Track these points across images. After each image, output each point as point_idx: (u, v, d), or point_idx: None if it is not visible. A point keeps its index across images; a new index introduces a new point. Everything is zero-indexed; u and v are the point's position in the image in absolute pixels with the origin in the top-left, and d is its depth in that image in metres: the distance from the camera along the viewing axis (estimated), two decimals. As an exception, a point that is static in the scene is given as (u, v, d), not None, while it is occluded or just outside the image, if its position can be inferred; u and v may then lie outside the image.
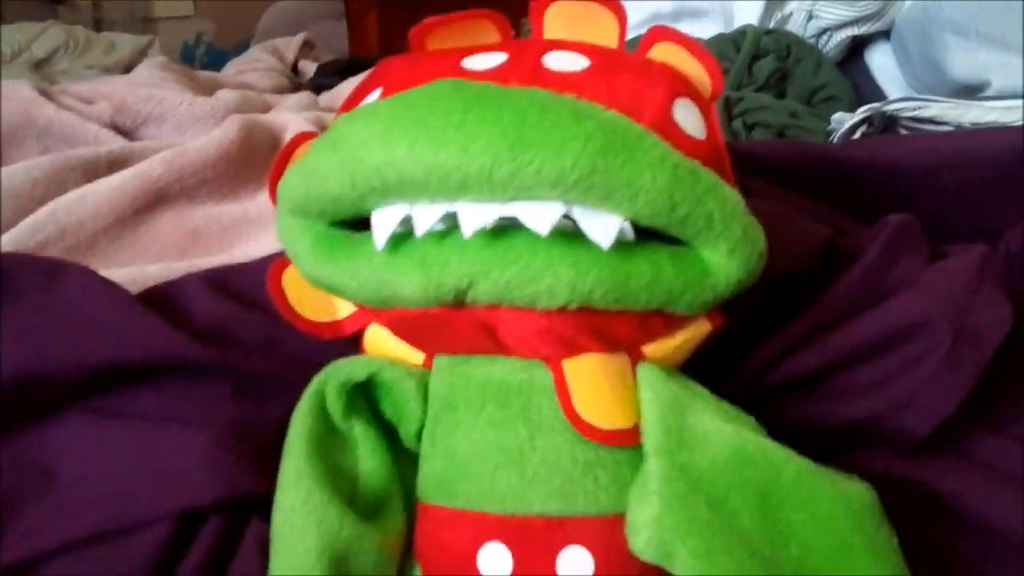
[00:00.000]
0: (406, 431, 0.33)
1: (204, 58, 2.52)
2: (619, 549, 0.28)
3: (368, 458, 0.33)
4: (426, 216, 0.28)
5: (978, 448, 0.36)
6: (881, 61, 0.74)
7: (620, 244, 0.28)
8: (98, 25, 2.33)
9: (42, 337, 0.32)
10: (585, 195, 0.27)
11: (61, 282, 0.34)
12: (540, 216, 0.27)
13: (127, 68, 1.38)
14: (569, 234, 0.28)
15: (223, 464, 0.31)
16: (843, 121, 0.60)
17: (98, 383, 0.33)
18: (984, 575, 0.33)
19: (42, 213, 0.54)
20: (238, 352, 0.34)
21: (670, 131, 0.28)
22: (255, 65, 1.32)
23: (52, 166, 0.59)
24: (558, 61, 0.30)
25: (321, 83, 1.21)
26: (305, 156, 0.30)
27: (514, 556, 0.29)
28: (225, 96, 0.78)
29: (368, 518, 0.31)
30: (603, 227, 0.27)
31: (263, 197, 0.61)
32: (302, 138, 0.34)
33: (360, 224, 0.31)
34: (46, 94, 0.76)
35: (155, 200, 0.57)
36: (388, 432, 0.33)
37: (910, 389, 0.34)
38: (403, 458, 0.33)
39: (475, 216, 0.27)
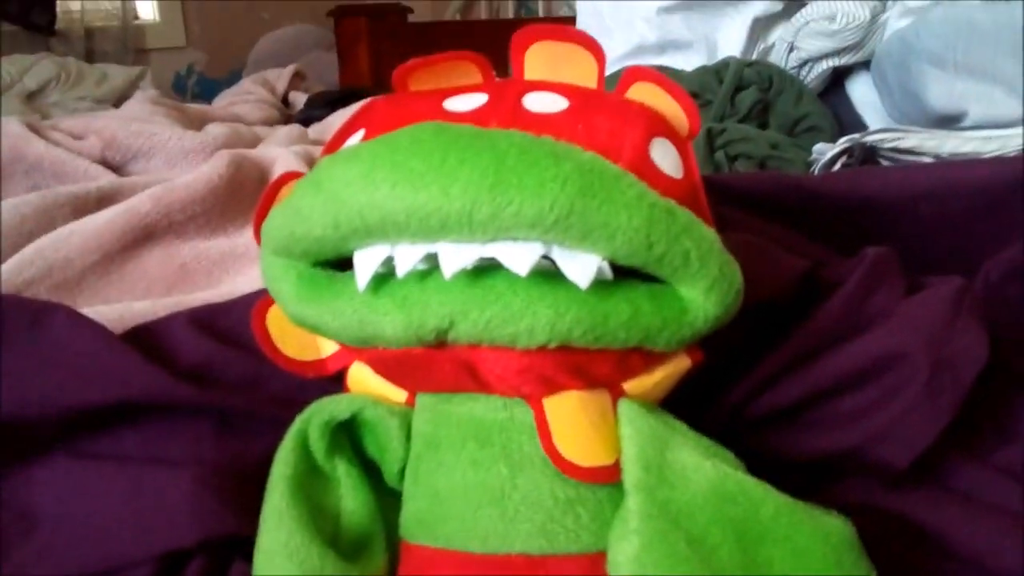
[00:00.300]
0: (389, 470, 0.33)
1: (195, 88, 2.53)
2: (603, 588, 0.28)
3: (350, 497, 0.33)
4: (407, 257, 0.28)
5: (959, 477, 0.36)
6: (862, 91, 0.75)
7: (598, 283, 0.28)
8: (90, 56, 2.34)
9: (26, 380, 0.33)
10: (563, 235, 0.27)
11: (45, 324, 0.34)
12: (519, 257, 0.27)
13: (119, 99, 1.39)
14: (548, 274, 0.29)
15: (206, 505, 0.32)
16: (824, 152, 0.60)
17: (82, 424, 0.33)
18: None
19: (29, 250, 0.54)
20: (222, 391, 0.34)
21: (647, 171, 0.29)
22: (245, 97, 1.33)
23: (41, 202, 0.59)
24: (537, 102, 0.31)
25: (311, 115, 1.22)
26: (289, 197, 0.31)
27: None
28: (214, 131, 0.79)
29: (350, 558, 0.31)
30: (581, 267, 0.28)
31: (251, 232, 0.61)
32: (287, 178, 0.35)
33: (343, 264, 0.32)
34: (35, 129, 0.77)
35: (143, 236, 0.57)
36: (371, 471, 0.34)
37: (888, 421, 0.34)
38: (386, 497, 0.33)
39: (455, 257, 0.28)
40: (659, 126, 0.31)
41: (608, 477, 0.29)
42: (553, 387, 0.30)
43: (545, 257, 0.28)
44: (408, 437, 0.32)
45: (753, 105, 0.69)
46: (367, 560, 0.32)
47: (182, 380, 0.34)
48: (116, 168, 0.76)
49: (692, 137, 0.32)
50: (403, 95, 0.33)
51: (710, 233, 0.29)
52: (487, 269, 0.29)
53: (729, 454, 0.31)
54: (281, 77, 1.47)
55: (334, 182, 0.29)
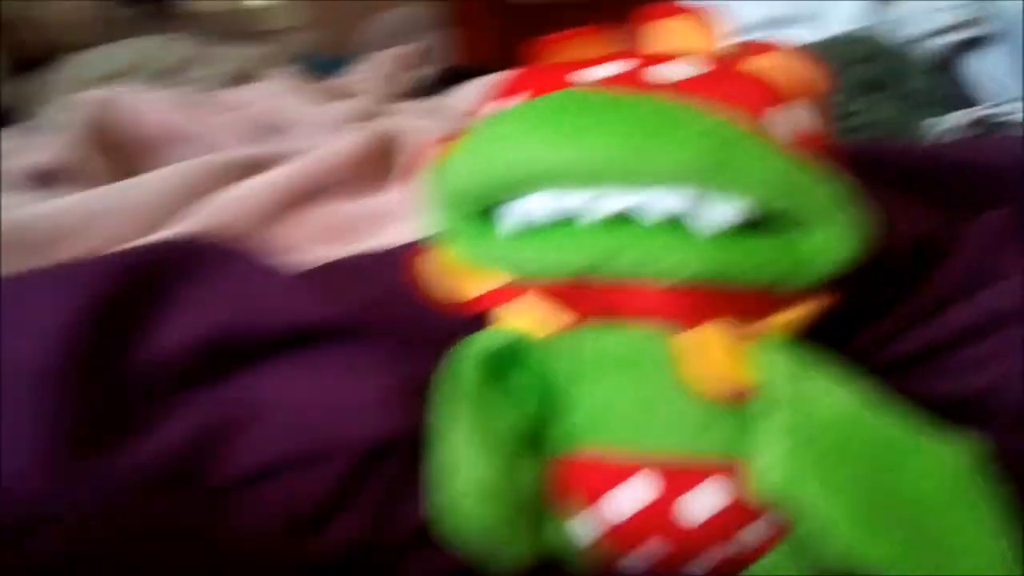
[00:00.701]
0: (542, 393, 0.37)
1: (314, 69, 2.62)
2: (744, 490, 0.32)
3: (507, 416, 0.37)
4: (559, 205, 0.33)
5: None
6: (978, 67, 0.76)
7: (736, 228, 0.32)
8: (207, 39, 2.43)
9: (241, 303, 0.39)
10: (705, 184, 0.31)
11: (237, 262, 0.40)
12: (660, 205, 0.32)
13: (248, 78, 1.47)
14: (687, 220, 0.32)
15: (397, 407, 0.37)
16: (938, 125, 0.62)
17: (283, 343, 0.39)
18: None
19: (198, 211, 0.60)
20: (391, 320, 0.40)
21: (775, 129, 0.32)
22: (369, 74, 1.39)
23: (204, 168, 0.66)
24: (665, 71, 0.34)
25: (433, 92, 1.27)
26: (452, 153, 0.36)
27: (645, 493, 0.33)
28: (349, 105, 0.85)
29: (513, 463, 0.36)
30: (719, 214, 0.32)
31: (387, 196, 0.67)
32: (446, 139, 0.39)
33: (498, 212, 0.36)
34: (185, 103, 0.84)
35: (295, 199, 0.63)
36: (524, 395, 0.38)
37: (1011, 367, 0.36)
38: (539, 418, 0.38)
39: (603, 205, 0.32)
40: (784, 93, 0.34)
41: (745, 399, 0.33)
42: (693, 320, 0.34)
43: (685, 205, 0.32)
44: (562, 364, 0.36)
45: (865, 80, 0.70)
46: (525, 468, 0.36)
47: (359, 309, 0.39)
48: (261, 140, 0.83)
49: (821, 100, 0.35)
50: (542, 66, 0.38)
51: (842, 183, 0.33)
52: (629, 216, 0.33)
53: (862, 381, 0.34)
54: (404, 55, 1.51)
55: (493, 139, 0.34)
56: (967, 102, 0.71)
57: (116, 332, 0.38)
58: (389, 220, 0.62)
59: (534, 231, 0.35)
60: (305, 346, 0.39)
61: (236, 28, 2.57)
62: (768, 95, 0.34)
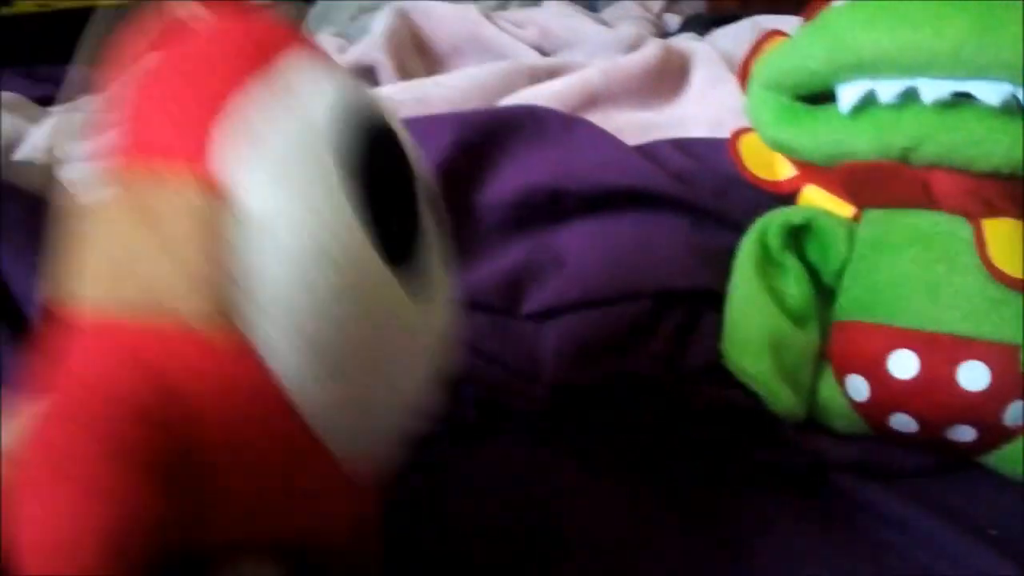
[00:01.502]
0: (828, 269, 0.41)
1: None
2: (1012, 370, 0.35)
3: (795, 284, 0.42)
4: (890, 89, 0.36)
5: None
6: None
7: (1055, 123, 0.35)
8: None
9: (565, 162, 0.45)
10: None
11: (576, 127, 0.47)
12: (992, 92, 0.34)
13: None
14: (1011, 113, 0.35)
15: (691, 264, 0.43)
16: None
17: (598, 202, 0.45)
18: None
19: (509, 102, 0.68)
20: (700, 193, 0.45)
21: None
22: (626, 13, 1.44)
23: (511, 68, 0.73)
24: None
25: (690, 33, 1.30)
26: (792, 38, 0.40)
27: (921, 362, 0.36)
28: (628, 28, 0.90)
29: (793, 325, 0.40)
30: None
31: (671, 109, 0.71)
32: (773, 33, 0.44)
33: (811, 101, 0.40)
34: (487, 17, 0.92)
35: (588, 102, 0.69)
36: (810, 269, 0.42)
37: None
38: (820, 290, 0.42)
39: (934, 89, 0.35)
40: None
41: (1030, 289, 0.36)
42: (992, 211, 0.36)
43: (1013, 96, 0.34)
44: (850, 243, 0.40)
45: None
46: (806, 331, 0.41)
47: (674, 180, 0.45)
48: (547, 54, 0.90)
49: None
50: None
51: None
52: (955, 104, 0.36)
53: None
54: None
55: (839, 25, 0.37)
56: None
57: (465, 176, 0.46)
58: (666, 130, 0.67)
59: (860, 113, 0.38)
60: (620, 206, 0.45)
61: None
62: None
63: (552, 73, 0.75)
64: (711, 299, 0.42)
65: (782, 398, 0.38)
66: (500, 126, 0.47)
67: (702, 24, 1.38)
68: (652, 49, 0.72)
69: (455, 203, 0.45)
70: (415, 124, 0.47)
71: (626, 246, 0.43)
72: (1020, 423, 0.36)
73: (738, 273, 0.41)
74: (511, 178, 0.45)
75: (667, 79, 0.72)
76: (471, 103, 0.72)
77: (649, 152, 0.48)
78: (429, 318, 0.23)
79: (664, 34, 1.42)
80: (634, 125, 0.69)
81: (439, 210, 0.24)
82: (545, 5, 1.15)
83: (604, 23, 1.14)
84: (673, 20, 1.51)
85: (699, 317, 0.42)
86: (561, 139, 0.46)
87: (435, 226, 0.24)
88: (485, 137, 0.46)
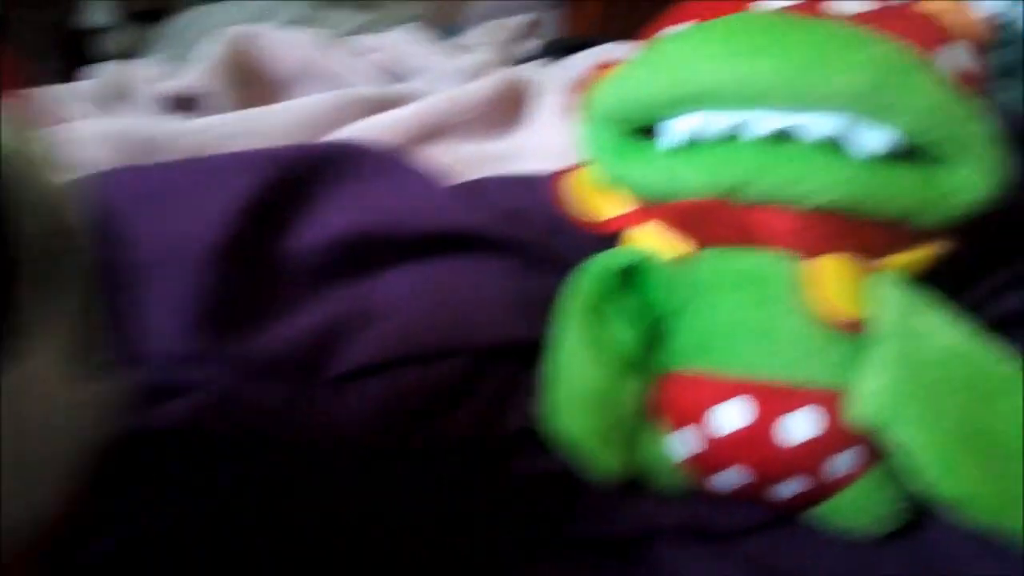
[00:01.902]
0: (659, 312, 0.39)
1: (424, 38, 2.66)
2: (842, 417, 0.33)
3: (623, 331, 0.39)
4: (721, 122, 0.34)
5: None
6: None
7: (880, 158, 0.33)
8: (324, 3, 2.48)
9: (380, 205, 0.41)
10: (866, 109, 0.32)
11: (393, 167, 0.43)
12: (820, 126, 0.33)
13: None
14: (836, 147, 0.34)
15: (517, 315, 0.39)
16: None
17: (416, 247, 0.41)
18: None
19: (338, 136, 0.64)
20: (527, 234, 0.42)
21: (938, 65, 0.33)
22: (483, 39, 1.42)
23: (342, 99, 0.69)
24: (840, 6, 0.35)
25: (548, 59, 1.29)
26: (624, 69, 0.37)
27: (749, 413, 0.34)
28: (477, 56, 0.88)
29: (620, 376, 0.38)
30: (874, 140, 0.33)
31: (513, 138, 0.69)
32: (607, 64, 0.41)
33: (649, 133, 0.38)
34: (326, 44, 0.88)
35: (428, 134, 0.66)
36: (640, 313, 0.40)
37: None
38: (650, 335, 0.39)
39: (765, 122, 0.34)
40: (951, 32, 0.35)
41: (860, 328, 0.34)
42: (822, 249, 0.35)
43: (841, 130, 0.33)
44: (681, 286, 0.38)
45: (1011, 62, 0.69)
46: (633, 381, 0.38)
47: (503, 222, 0.41)
48: (392, 83, 0.86)
49: (981, 45, 0.36)
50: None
51: (989, 124, 0.33)
52: (784, 137, 0.34)
53: (969, 325, 0.35)
54: (515, 24, 1.54)
55: (671, 55, 0.35)
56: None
57: (268, 222, 0.41)
58: (512, 162, 0.64)
59: (691, 147, 0.36)
60: (441, 251, 0.41)
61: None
62: (937, 33, 0.35)
63: (391, 103, 0.72)
64: (539, 352, 0.39)
65: (604, 461, 0.35)
66: (309, 165, 0.43)
67: (560, 50, 1.37)
68: (494, 78, 0.69)
69: (258, 253, 0.40)
70: (214, 162, 0.43)
71: (447, 297, 0.40)
72: (848, 473, 0.35)
73: (562, 321, 0.38)
74: (319, 223, 0.41)
75: (511, 108, 0.70)
76: (299, 136, 0.68)
77: (478, 190, 0.45)
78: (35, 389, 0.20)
79: (522, 60, 1.42)
80: (476, 157, 0.66)
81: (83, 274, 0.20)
82: (397, 31, 1.11)
83: (460, 49, 1.11)
84: (533, 46, 1.51)
85: (524, 373, 0.38)
86: (378, 178, 0.43)
87: (63, 295, 0.20)
88: (292, 177, 0.42)
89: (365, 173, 0.43)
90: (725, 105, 0.34)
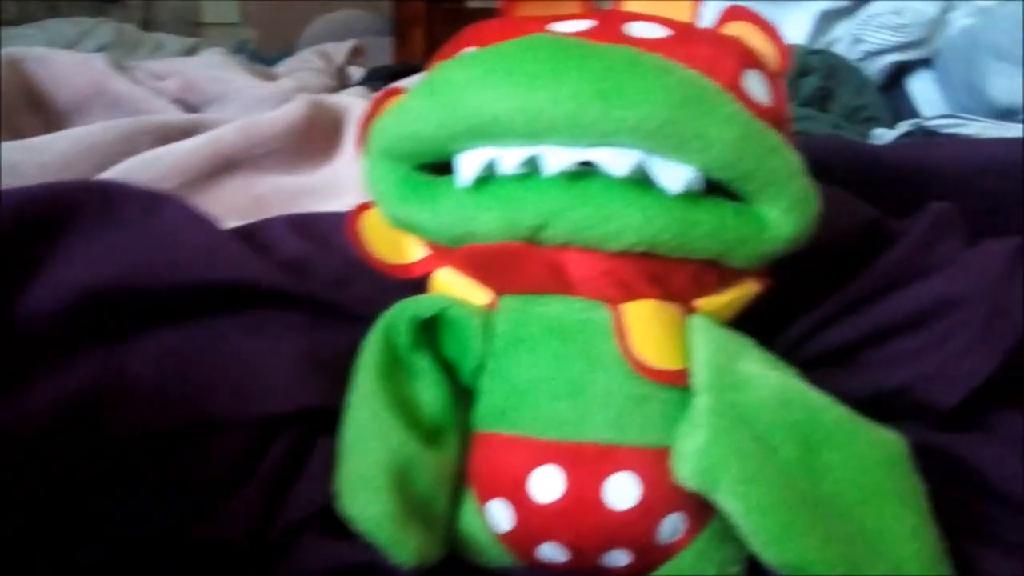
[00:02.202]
0: (466, 367, 0.35)
1: (253, 63, 2.57)
2: (664, 478, 0.30)
3: (428, 390, 0.35)
4: (512, 157, 0.31)
5: (1006, 425, 0.37)
6: (921, 87, 0.77)
7: (687, 194, 0.31)
8: (147, 26, 2.38)
9: (137, 256, 0.35)
10: (661, 144, 0.29)
11: (158, 209, 0.37)
12: (618, 161, 0.30)
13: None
14: (641, 182, 0.31)
15: (301, 378, 0.34)
16: (883, 137, 0.62)
17: (186, 302, 0.35)
18: (997, 538, 0.34)
19: (118, 168, 0.57)
20: (315, 285, 0.37)
21: (741, 95, 0.31)
22: (304, 64, 1.36)
23: (129, 127, 0.62)
24: (640, 30, 0.33)
25: (371, 86, 1.25)
26: (402, 100, 0.33)
27: (565, 479, 0.31)
28: (287, 83, 0.82)
29: (427, 443, 0.33)
30: (674, 176, 0.30)
31: (324, 171, 0.64)
32: (393, 92, 0.37)
33: (440, 170, 0.34)
34: (118, 68, 0.80)
35: (224, 166, 0.60)
36: (447, 368, 0.36)
37: (941, 361, 0.36)
38: (460, 393, 0.35)
39: (558, 158, 0.30)
40: (753, 58, 0.33)
41: (677, 380, 0.31)
42: (632, 293, 0.32)
43: (640, 166, 0.30)
44: (487, 337, 0.34)
45: (815, 91, 0.71)
46: (441, 446, 0.34)
47: (282, 271, 0.36)
48: (192, 110, 0.79)
49: (783, 72, 0.34)
50: (511, 19, 0.36)
51: (795, 157, 0.31)
52: (584, 174, 0.31)
53: (792, 369, 0.33)
54: (339, 50, 1.49)
55: (449, 84, 0.31)
56: (909, 118, 0.72)
57: (7, 275, 0.35)
58: (318, 198, 0.59)
59: (485, 185, 0.32)
60: (212, 306, 0.36)
61: (177, 17, 2.51)
62: (743, 58, 0.32)
63: (185, 132, 0.65)
64: (330, 419, 0.34)
65: (407, 545, 0.30)
66: (57, 208, 0.36)
67: (383, 76, 1.34)
68: (298, 105, 0.64)
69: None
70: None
71: (220, 360, 0.34)
72: (677, 538, 0.32)
73: (357, 384, 0.34)
74: (66, 277, 0.34)
75: (318, 138, 0.65)
76: (82, 167, 0.61)
77: (258, 234, 0.40)
78: None
79: (344, 87, 1.37)
80: (280, 191, 0.61)
81: None
82: (203, 55, 1.04)
83: (268, 76, 1.05)
84: (358, 73, 1.46)
85: (312, 447, 0.33)
86: (138, 224, 0.36)
87: None
88: (38, 223, 0.35)
89: (125, 216, 0.36)
90: (510, 139, 0.30)
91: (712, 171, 0.30)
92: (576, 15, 0.34)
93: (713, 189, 0.31)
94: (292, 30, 2.32)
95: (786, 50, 0.34)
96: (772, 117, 0.32)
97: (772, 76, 0.33)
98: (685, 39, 0.32)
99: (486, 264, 0.33)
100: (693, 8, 0.35)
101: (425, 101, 0.31)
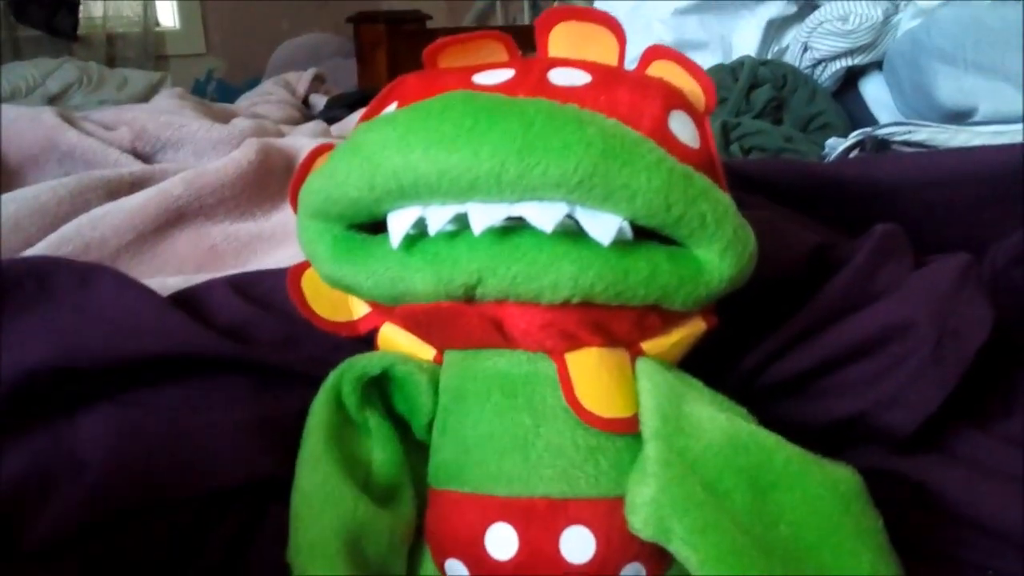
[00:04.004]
0: (417, 423, 0.35)
1: (215, 94, 2.56)
2: (619, 529, 0.30)
3: (380, 448, 0.34)
4: (438, 216, 0.30)
5: (964, 445, 0.37)
6: (875, 91, 0.77)
7: (619, 243, 0.30)
8: (111, 61, 2.37)
9: (75, 333, 0.34)
10: (587, 196, 0.29)
11: (93, 283, 0.36)
12: (545, 215, 0.29)
13: (140, 102, 1.42)
14: (572, 233, 0.30)
15: (247, 449, 0.33)
16: (836, 146, 0.62)
17: (127, 377, 0.35)
18: (964, 562, 0.34)
19: (68, 228, 0.56)
20: (259, 349, 0.36)
21: (666, 139, 0.31)
22: (267, 97, 1.36)
23: (78, 185, 0.61)
24: (561, 76, 0.32)
25: (332, 115, 1.24)
26: (326, 162, 0.33)
27: (519, 536, 0.30)
28: (241, 124, 0.81)
29: (381, 503, 0.33)
30: (603, 226, 0.29)
31: (278, 216, 0.63)
32: (323, 148, 0.36)
33: (375, 228, 0.33)
34: (68, 120, 0.79)
35: (175, 218, 0.59)
36: (399, 425, 0.35)
37: (895, 387, 0.35)
38: (413, 449, 0.35)
39: (484, 215, 0.30)
40: (677, 99, 0.33)
41: (627, 428, 0.31)
42: (575, 343, 0.32)
43: (569, 217, 0.30)
44: (435, 392, 0.34)
45: (768, 102, 0.71)
46: (396, 506, 0.33)
47: (222, 337, 0.35)
48: (146, 158, 0.78)
49: (709, 111, 0.33)
50: (433, 71, 0.35)
51: (725, 198, 0.31)
52: (514, 228, 0.31)
53: (742, 410, 0.32)
54: (302, 79, 1.49)
55: (370, 146, 0.31)
56: (864, 124, 0.72)
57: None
58: (272, 244, 0.59)
59: (417, 244, 0.32)
60: (155, 378, 0.35)
61: (142, 52, 2.50)
62: (667, 101, 0.32)
63: (134, 185, 0.65)
64: (280, 487, 0.33)
65: None
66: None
67: (344, 105, 1.33)
68: (246, 152, 0.63)
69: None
70: None
71: (166, 434, 0.33)
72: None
73: (305, 448, 0.33)
74: (4, 360, 0.34)
75: (268, 184, 0.64)
76: (26, 231, 0.60)
77: (198, 299, 0.39)
78: None
79: (309, 117, 1.37)
80: (233, 240, 0.60)
81: None
82: (156, 98, 1.04)
83: (222, 116, 1.04)
84: (322, 101, 1.46)
85: (262, 516, 0.33)
86: (73, 300, 0.36)
87: None
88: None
89: (59, 293, 0.36)
90: (435, 198, 0.30)
91: (641, 219, 0.29)
92: (498, 64, 0.34)
93: (649, 235, 0.31)
94: (259, 56, 2.32)
95: (711, 87, 0.33)
96: (700, 159, 0.31)
97: (698, 117, 0.33)
98: (607, 84, 0.32)
99: (424, 324, 0.33)
100: (618, 47, 0.35)
101: (349, 163, 0.31)
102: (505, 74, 0.33)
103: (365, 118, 0.35)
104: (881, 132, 0.59)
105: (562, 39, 0.36)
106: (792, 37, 0.80)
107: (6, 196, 0.62)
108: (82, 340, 0.34)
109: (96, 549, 0.32)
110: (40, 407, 0.34)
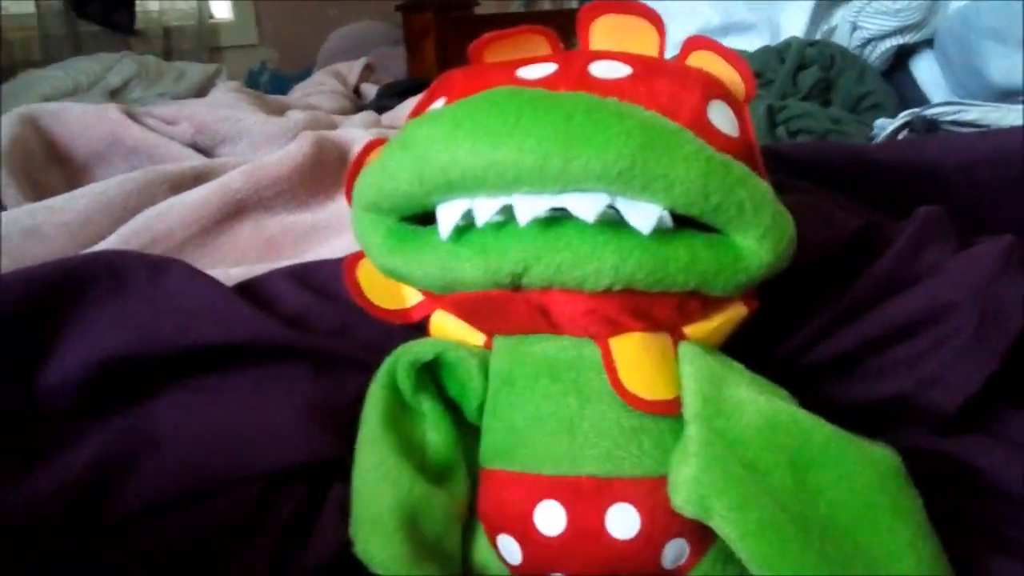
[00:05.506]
0: (469, 406, 0.36)
1: (268, 85, 2.61)
2: (663, 506, 0.31)
3: (434, 430, 0.36)
4: (485, 208, 0.32)
5: (1007, 425, 0.37)
6: (925, 69, 0.76)
7: (659, 231, 0.31)
8: (167, 54, 2.42)
9: (147, 322, 0.37)
10: (626, 186, 0.30)
11: (164, 275, 0.39)
12: (587, 206, 0.30)
13: (197, 94, 1.46)
14: (613, 223, 0.31)
15: (309, 430, 0.35)
16: (885, 126, 0.62)
17: (195, 364, 0.37)
18: (1007, 540, 0.35)
19: (137, 222, 0.59)
20: (317, 336, 0.38)
21: (705, 129, 0.32)
22: (319, 88, 1.38)
23: (144, 179, 0.64)
24: (602, 69, 0.33)
25: (382, 104, 1.26)
26: (378, 157, 0.34)
27: (567, 512, 0.32)
28: (296, 116, 0.84)
29: (435, 483, 0.35)
30: (643, 215, 0.30)
31: (332, 206, 0.65)
32: (375, 144, 0.38)
33: (426, 219, 0.35)
34: (132, 116, 0.82)
35: (235, 210, 0.61)
36: (451, 408, 0.37)
37: (938, 367, 0.36)
38: (465, 431, 0.37)
39: (529, 207, 0.31)
40: (716, 89, 0.33)
41: (669, 409, 0.32)
42: (618, 328, 0.33)
43: (610, 207, 0.31)
44: (485, 376, 0.35)
45: (815, 84, 0.70)
46: (450, 486, 0.35)
47: (284, 325, 0.37)
48: (205, 151, 0.81)
49: (748, 100, 0.34)
50: (479, 66, 0.36)
51: (763, 185, 0.32)
52: (558, 219, 0.32)
53: (782, 391, 0.33)
54: (352, 69, 1.52)
55: (419, 142, 0.32)
56: (915, 104, 0.71)
57: (15, 355, 0.36)
58: (328, 234, 0.61)
59: (466, 235, 0.33)
60: (221, 365, 0.37)
61: (197, 44, 2.56)
62: (706, 91, 0.33)
63: (197, 178, 0.67)
64: (341, 468, 0.35)
65: None
66: (68, 283, 0.38)
67: (394, 93, 1.35)
68: (302, 144, 0.65)
69: (6, 392, 0.35)
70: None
71: (232, 418, 0.35)
72: (681, 563, 0.33)
73: (364, 431, 0.35)
74: (79, 350, 0.36)
75: (324, 175, 0.66)
76: (101, 222, 0.63)
77: (259, 289, 0.41)
78: None
79: (360, 107, 1.39)
80: (290, 231, 0.62)
81: None
82: (214, 91, 1.06)
83: (278, 108, 1.07)
84: (373, 90, 1.48)
85: (324, 495, 0.35)
86: (145, 291, 0.38)
87: None
88: (50, 299, 0.37)
89: (131, 286, 0.38)
90: (482, 191, 0.31)
91: (680, 208, 0.30)
92: (541, 58, 0.35)
93: (688, 222, 0.32)
94: (310, 46, 2.36)
95: (750, 76, 0.34)
96: (739, 147, 0.32)
97: (737, 105, 0.33)
98: (647, 76, 0.33)
99: (473, 311, 0.34)
100: (658, 39, 0.36)
101: (399, 159, 0.32)
102: (548, 68, 0.34)
103: (414, 114, 0.36)
104: (930, 112, 0.59)
105: (603, 31, 0.37)
106: (841, 16, 0.79)
107: (77, 192, 0.65)
108: (155, 330, 0.37)
109: (170, 525, 0.34)
110: (117, 394, 0.36)
